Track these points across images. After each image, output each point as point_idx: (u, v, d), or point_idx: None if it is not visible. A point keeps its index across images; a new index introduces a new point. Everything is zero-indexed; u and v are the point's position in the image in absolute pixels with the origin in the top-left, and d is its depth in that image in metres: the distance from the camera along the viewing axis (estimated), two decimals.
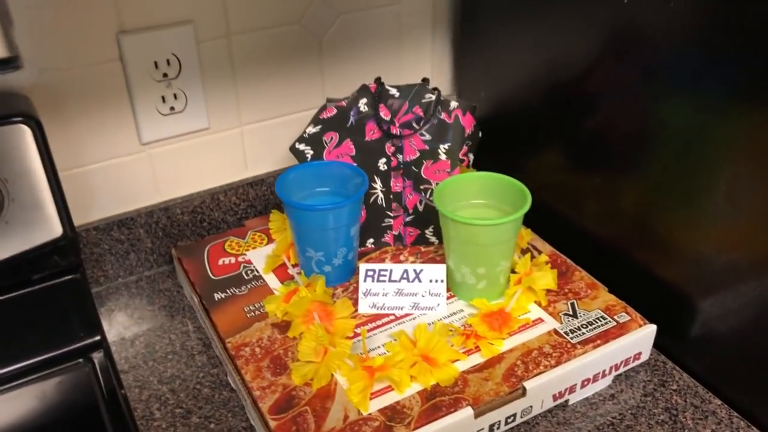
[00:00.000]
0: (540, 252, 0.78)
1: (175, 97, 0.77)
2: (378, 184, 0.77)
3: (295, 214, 0.70)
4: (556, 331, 0.67)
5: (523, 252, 0.77)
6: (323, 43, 0.84)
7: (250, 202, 0.88)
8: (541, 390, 0.62)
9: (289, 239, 0.76)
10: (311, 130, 0.76)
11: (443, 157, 0.77)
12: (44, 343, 0.72)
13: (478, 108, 0.85)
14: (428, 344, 0.63)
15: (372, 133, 0.76)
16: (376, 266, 0.71)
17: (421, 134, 0.76)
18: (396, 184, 0.78)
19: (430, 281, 0.71)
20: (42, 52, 0.69)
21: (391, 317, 0.69)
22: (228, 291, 0.74)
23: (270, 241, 0.81)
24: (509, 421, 0.62)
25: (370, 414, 0.59)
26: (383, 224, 0.79)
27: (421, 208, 0.79)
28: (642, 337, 0.67)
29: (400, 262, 0.77)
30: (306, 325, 0.66)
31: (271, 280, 0.75)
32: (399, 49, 0.90)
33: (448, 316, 0.69)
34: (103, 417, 0.67)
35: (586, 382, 0.65)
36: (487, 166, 0.79)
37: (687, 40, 0.62)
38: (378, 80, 0.77)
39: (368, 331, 0.67)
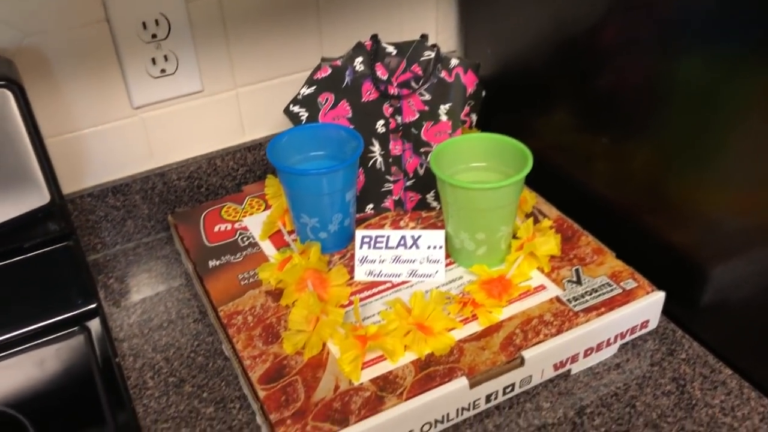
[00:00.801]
0: (545, 216, 0.74)
1: (166, 58, 0.74)
2: (376, 147, 0.75)
3: (288, 179, 0.67)
4: (558, 299, 0.64)
5: (528, 216, 0.74)
6: None
7: (249, 167, 0.85)
8: (541, 359, 0.60)
9: (285, 205, 0.74)
10: (305, 91, 0.73)
11: (444, 118, 0.74)
12: (39, 310, 0.72)
13: (484, 66, 0.82)
14: (423, 312, 0.61)
15: (369, 93, 0.73)
16: (373, 233, 0.69)
17: (421, 94, 0.73)
18: (395, 147, 0.75)
19: (429, 248, 0.68)
20: (25, 15, 0.67)
21: (388, 285, 0.67)
22: (223, 258, 0.72)
23: (268, 207, 0.79)
24: (507, 391, 0.60)
25: (361, 384, 0.57)
26: (383, 189, 0.76)
27: (421, 171, 0.76)
28: (650, 305, 0.64)
29: (401, 228, 0.75)
30: (299, 293, 0.65)
31: (267, 247, 0.73)
32: (400, 5, 0.86)
33: (447, 284, 0.67)
34: (97, 385, 0.66)
35: (589, 351, 0.63)
36: (492, 127, 0.76)
37: None
38: (374, 37, 0.73)
39: (364, 299, 0.65)
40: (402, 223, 0.76)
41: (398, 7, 0.86)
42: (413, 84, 0.72)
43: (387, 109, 0.73)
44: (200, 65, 0.77)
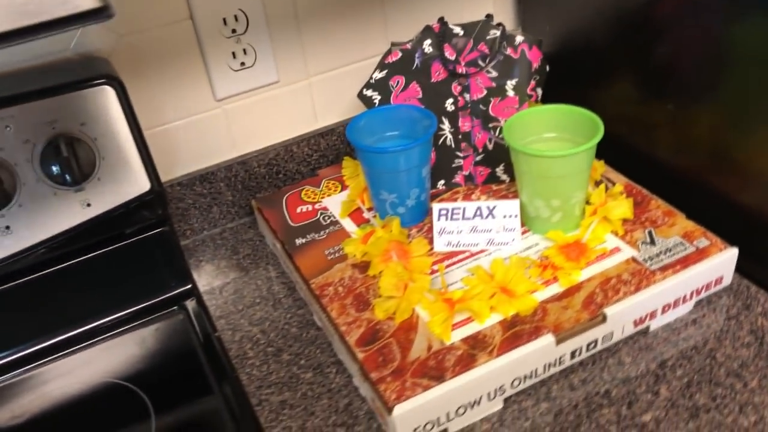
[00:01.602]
0: (614, 183, 0.77)
1: (245, 52, 0.79)
2: (446, 125, 0.78)
3: (368, 157, 0.71)
4: (634, 259, 0.67)
5: (597, 184, 0.77)
6: None
7: (322, 152, 0.90)
8: (622, 316, 0.63)
9: (363, 184, 0.78)
10: (377, 75, 0.77)
11: (511, 93, 0.77)
12: (140, 293, 0.78)
13: (544, 42, 0.84)
14: (506, 276, 0.65)
15: (438, 74, 0.76)
16: (449, 205, 0.73)
17: (488, 71, 0.76)
18: (464, 124, 0.78)
19: (504, 217, 0.71)
20: (120, 17, 0.72)
21: (467, 254, 0.71)
22: (308, 236, 0.76)
23: (344, 188, 0.83)
24: (591, 347, 0.63)
25: (452, 344, 0.61)
26: (453, 165, 0.80)
27: (490, 146, 0.79)
28: (723, 261, 0.66)
29: (472, 201, 0.78)
30: (385, 264, 0.69)
31: (348, 225, 0.77)
32: None
33: (524, 251, 0.70)
34: (200, 358, 0.71)
35: (666, 308, 0.65)
36: (556, 100, 0.78)
37: None
38: (441, 20, 0.77)
39: (445, 267, 0.69)
40: (473, 197, 0.79)
41: None
42: (480, 62, 0.76)
43: (456, 88, 0.76)
44: (276, 57, 0.82)
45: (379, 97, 0.78)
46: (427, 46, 0.76)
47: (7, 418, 0.66)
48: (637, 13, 0.74)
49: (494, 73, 0.76)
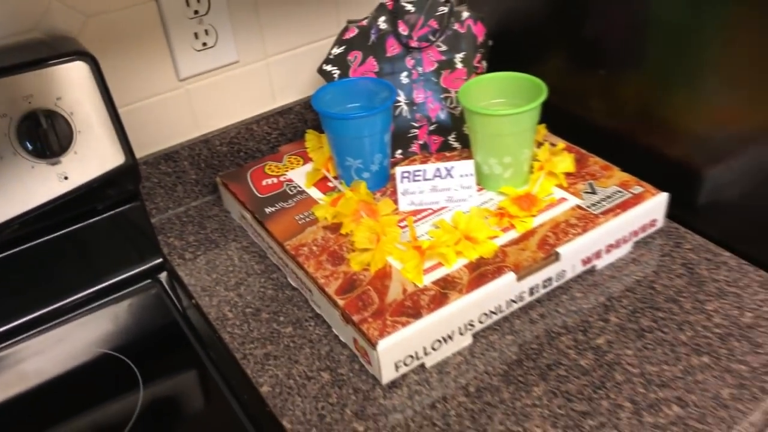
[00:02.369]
0: (556, 144, 0.85)
1: (207, 33, 0.83)
2: (402, 97, 0.84)
3: (334, 125, 0.76)
4: (579, 207, 0.75)
5: (540, 146, 0.84)
6: None
7: (281, 131, 0.94)
8: (572, 254, 0.70)
9: (327, 154, 0.83)
10: (336, 51, 0.82)
11: (459, 66, 0.83)
12: (113, 267, 0.80)
13: (486, 19, 0.91)
14: (468, 225, 0.71)
15: (392, 48, 0.82)
16: (411, 168, 0.78)
17: (438, 46, 0.82)
18: (418, 96, 0.84)
19: (461, 176, 0.77)
20: None
21: (429, 211, 0.77)
22: (276, 205, 0.80)
23: (306, 162, 0.88)
24: (546, 284, 0.70)
25: (425, 286, 0.66)
26: (409, 135, 0.86)
27: (443, 116, 0.85)
28: (656, 205, 0.75)
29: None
30: (355, 223, 0.73)
31: (314, 193, 0.82)
32: None
33: (480, 205, 0.77)
34: (180, 323, 0.74)
35: (610, 248, 0.73)
36: None
37: None
38: None
39: (413, 221, 0.75)
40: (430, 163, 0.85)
41: None
42: (431, 37, 0.82)
43: (409, 62, 0.82)
44: (236, 38, 0.85)
45: (338, 72, 0.83)
46: (382, 22, 0.81)
47: None
48: None
49: (444, 47, 0.82)
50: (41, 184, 0.69)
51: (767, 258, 0.72)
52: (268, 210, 0.80)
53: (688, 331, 0.66)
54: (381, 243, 0.69)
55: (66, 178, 0.70)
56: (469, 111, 0.74)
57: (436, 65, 0.83)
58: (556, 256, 0.69)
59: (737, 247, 0.74)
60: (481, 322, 0.67)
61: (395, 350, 0.62)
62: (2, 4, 0.71)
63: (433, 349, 0.64)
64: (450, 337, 0.65)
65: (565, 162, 0.78)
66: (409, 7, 0.82)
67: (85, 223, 0.76)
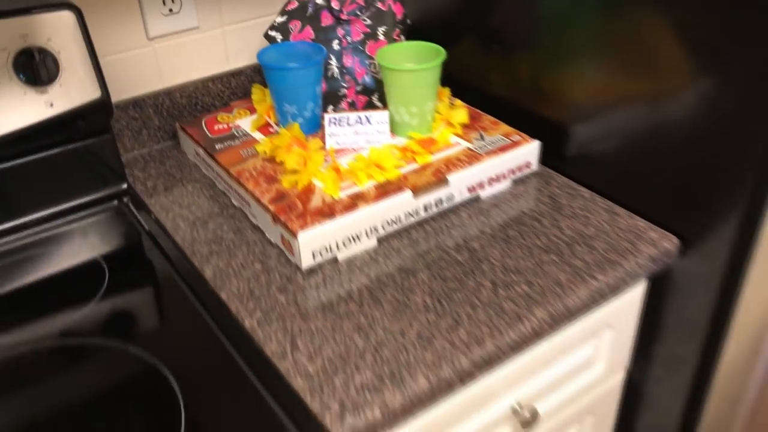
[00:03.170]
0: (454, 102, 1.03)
1: (173, 1, 0.99)
2: (333, 61, 1.02)
3: (275, 75, 0.94)
4: (469, 149, 0.93)
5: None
6: None
7: (233, 90, 1.11)
8: (459, 181, 0.88)
9: (269, 104, 1.00)
10: (279, 19, 1.00)
11: (381, 37, 1.02)
12: (87, 189, 0.95)
13: (407, 7, 1.10)
14: (378, 156, 0.89)
15: (326, 20, 1.00)
16: (337, 115, 0.96)
17: (364, 20, 1.01)
18: (347, 61, 1.02)
19: (377, 123, 0.95)
20: None
21: (350, 150, 0.94)
22: (225, 143, 0.97)
23: (252, 113, 1.05)
24: (438, 204, 0.88)
25: (340, 198, 0.84)
26: (339, 93, 1.04)
27: (368, 79, 1.03)
28: (530, 149, 0.94)
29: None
30: (288, 153, 0.91)
31: (258, 136, 0.99)
32: None
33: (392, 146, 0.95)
34: (140, 231, 0.90)
35: (491, 181, 0.92)
36: None
37: None
38: None
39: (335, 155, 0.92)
40: None
41: None
42: (358, 12, 1.00)
43: (340, 32, 1.01)
44: (197, 7, 1.02)
45: (280, 37, 1.00)
46: None
47: None
48: None
49: (369, 22, 1.01)
50: (31, 108, 0.85)
51: (613, 192, 0.91)
52: (218, 146, 0.96)
53: (543, 239, 0.84)
54: (307, 166, 0.87)
55: (51, 105, 0.86)
56: (384, 68, 0.92)
57: (362, 36, 1.01)
58: (446, 182, 0.87)
59: (593, 185, 0.94)
60: (383, 228, 0.84)
61: (313, 241, 0.79)
62: None
63: (344, 245, 0.82)
64: (358, 237, 0.82)
65: (460, 114, 0.97)
66: None
67: (64, 148, 0.92)
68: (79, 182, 0.94)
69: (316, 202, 0.83)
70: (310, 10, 1.00)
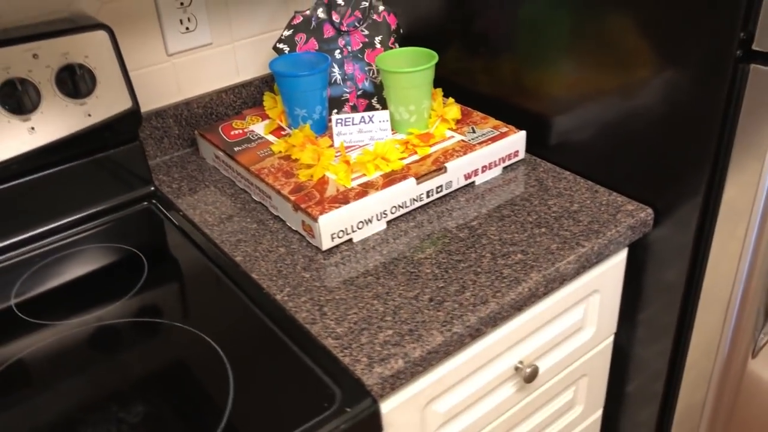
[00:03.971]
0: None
1: (189, 20, 1.10)
2: (336, 69, 1.13)
3: (286, 82, 1.04)
4: (463, 141, 1.04)
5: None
6: None
7: (243, 100, 1.21)
8: (456, 169, 0.99)
9: (280, 109, 1.11)
10: (286, 33, 1.11)
11: (378, 46, 1.13)
12: (118, 191, 1.05)
13: (400, 14, 1.22)
14: (383, 150, 0.99)
15: (328, 32, 1.11)
16: (343, 115, 1.07)
17: (362, 31, 1.12)
18: (348, 68, 1.13)
19: (379, 122, 1.06)
20: None
21: (356, 147, 1.05)
22: (243, 146, 1.07)
23: (264, 119, 1.15)
24: (439, 190, 0.99)
25: (352, 187, 0.94)
26: (342, 98, 1.14)
27: (367, 84, 1.14)
28: (517, 139, 1.05)
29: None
30: (301, 150, 1.01)
31: (271, 138, 1.09)
32: None
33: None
34: (171, 226, 1.00)
35: (485, 168, 1.03)
36: None
37: None
38: None
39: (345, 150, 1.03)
40: None
41: None
42: (357, 24, 1.11)
43: (341, 42, 1.12)
44: (210, 25, 1.13)
45: (288, 49, 1.11)
46: (320, 12, 1.10)
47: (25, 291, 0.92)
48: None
49: (366, 32, 1.12)
50: (72, 118, 0.95)
51: (593, 173, 1.02)
52: (236, 149, 1.07)
53: (534, 215, 0.95)
54: (320, 160, 0.97)
55: (89, 115, 0.96)
56: (384, 71, 1.03)
57: (361, 45, 1.12)
58: (445, 169, 0.98)
59: (575, 169, 1.05)
60: (392, 213, 0.95)
61: (331, 224, 0.89)
62: None
63: (359, 228, 0.92)
64: (369, 221, 0.93)
65: (453, 111, 1.08)
66: (340, 1, 1.11)
67: (99, 155, 1.01)
68: (113, 186, 1.03)
69: (331, 191, 0.94)
70: (313, 23, 1.11)
